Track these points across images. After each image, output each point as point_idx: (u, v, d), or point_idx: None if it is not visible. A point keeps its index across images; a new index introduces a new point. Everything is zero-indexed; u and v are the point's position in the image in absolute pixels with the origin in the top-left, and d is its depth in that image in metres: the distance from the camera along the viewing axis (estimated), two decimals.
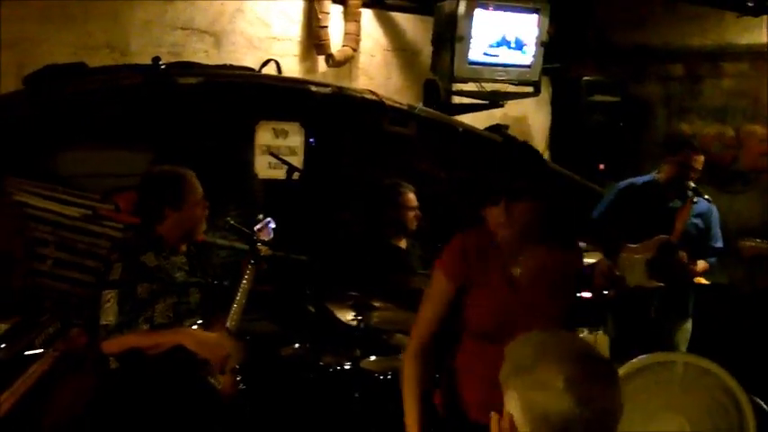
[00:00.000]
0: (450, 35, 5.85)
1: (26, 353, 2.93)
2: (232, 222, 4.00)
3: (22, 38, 4.81)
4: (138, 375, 3.42)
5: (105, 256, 3.81)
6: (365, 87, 5.86)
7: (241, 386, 3.68)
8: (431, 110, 5.86)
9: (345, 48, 6.03)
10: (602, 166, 6.90)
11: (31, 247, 4.51)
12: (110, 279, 3.43)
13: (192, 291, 3.67)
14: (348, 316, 4.35)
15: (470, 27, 5.83)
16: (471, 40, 5.86)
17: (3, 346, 2.89)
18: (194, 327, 3.59)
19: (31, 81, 4.62)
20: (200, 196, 3.71)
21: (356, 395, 4.18)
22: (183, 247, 3.74)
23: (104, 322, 3.37)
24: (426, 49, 6.28)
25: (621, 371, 3.08)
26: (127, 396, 3.40)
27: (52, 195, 4.67)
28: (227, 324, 3.70)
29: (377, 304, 4.38)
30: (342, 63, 6.03)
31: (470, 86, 6.11)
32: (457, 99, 6.20)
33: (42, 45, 4.89)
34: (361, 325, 4.32)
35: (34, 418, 2.71)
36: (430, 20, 6.18)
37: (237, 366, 3.66)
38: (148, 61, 4.89)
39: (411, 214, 5.03)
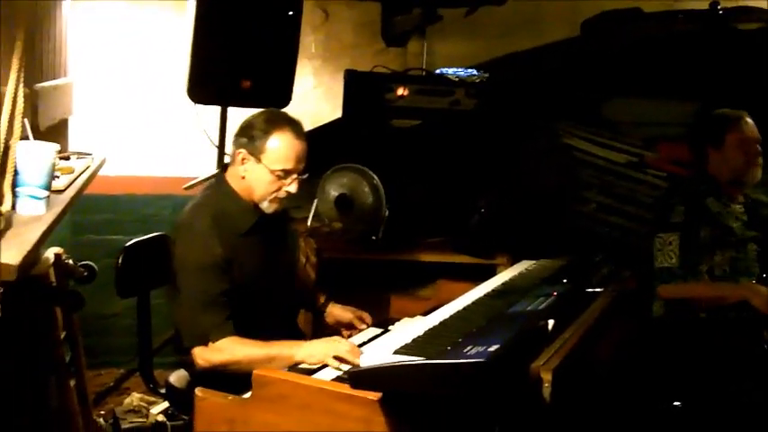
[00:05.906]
0: None
1: (587, 290, 3.04)
2: None
3: None
4: (686, 325, 3.37)
5: (662, 198, 3.80)
6: None
7: None
8: None
9: None
10: None
11: (577, 189, 4.69)
12: (671, 221, 3.42)
13: (750, 245, 3.52)
14: None
15: None
16: None
17: (565, 281, 3.03)
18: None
19: (588, 27, 4.74)
20: (747, 138, 3.52)
21: None
22: (741, 198, 3.61)
23: (665, 265, 3.36)
24: None
25: None
26: (670, 345, 3.38)
27: (598, 140, 4.79)
28: None
29: None
30: None
31: None
32: None
33: None
34: None
35: (590, 351, 2.81)
36: None
37: None
38: (701, 7, 4.76)
39: None
